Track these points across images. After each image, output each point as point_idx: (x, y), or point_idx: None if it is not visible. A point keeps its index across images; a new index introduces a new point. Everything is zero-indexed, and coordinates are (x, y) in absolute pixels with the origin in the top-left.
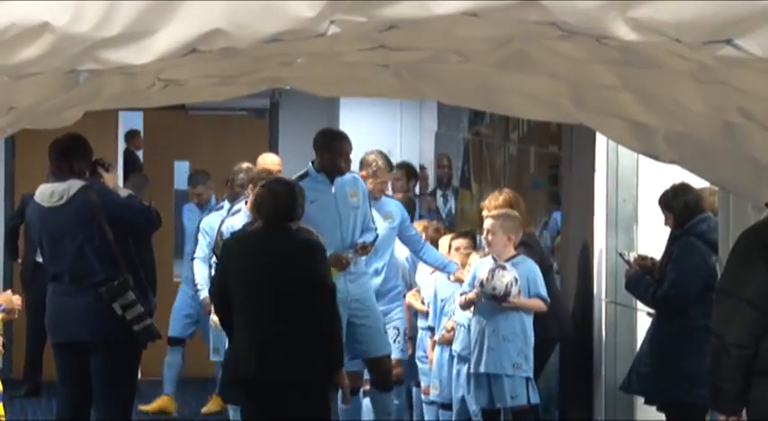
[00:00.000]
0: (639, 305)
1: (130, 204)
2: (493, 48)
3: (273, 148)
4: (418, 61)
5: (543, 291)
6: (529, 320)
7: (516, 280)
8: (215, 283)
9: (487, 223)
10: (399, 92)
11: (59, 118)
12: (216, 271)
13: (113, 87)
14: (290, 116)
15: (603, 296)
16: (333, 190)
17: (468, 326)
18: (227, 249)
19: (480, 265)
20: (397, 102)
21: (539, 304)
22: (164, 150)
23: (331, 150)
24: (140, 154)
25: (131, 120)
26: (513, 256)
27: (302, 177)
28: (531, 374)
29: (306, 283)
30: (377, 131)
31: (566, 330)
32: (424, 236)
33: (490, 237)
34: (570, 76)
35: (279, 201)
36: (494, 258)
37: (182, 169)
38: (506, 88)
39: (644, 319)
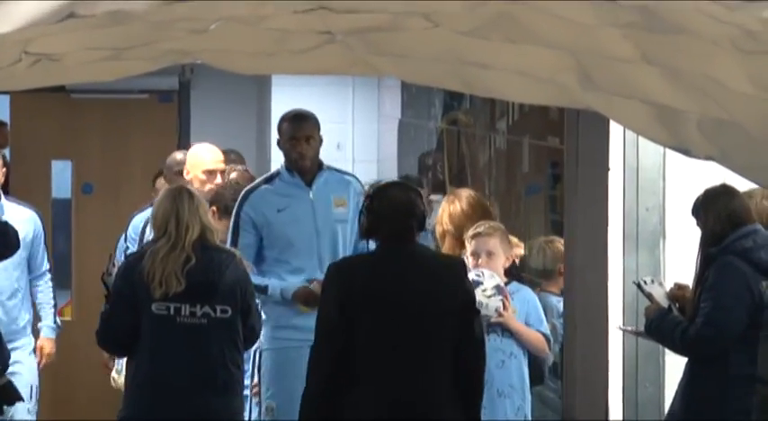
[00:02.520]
0: None
1: None
2: (469, 8)
3: (183, 140)
4: (372, 27)
5: (546, 327)
6: (526, 368)
7: (499, 292)
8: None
9: (482, 242)
10: (347, 67)
11: None
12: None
13: None
14: (205, 99)
15: (621, 324)
16: (310, 194)
17: None
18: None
19: None
20: (349, 80)
21: (540, 340)
22: (38, 147)
23: (280, 136)
24: (7, 152)
25: None
26: (507, 283)
27: (270, 179)
28: None
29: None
30: (321, 119)
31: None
32: None
33: (487, 260)
34: (574, 45)
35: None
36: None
37: (62, 171)
38: (487, 63)
39: (675, 363)
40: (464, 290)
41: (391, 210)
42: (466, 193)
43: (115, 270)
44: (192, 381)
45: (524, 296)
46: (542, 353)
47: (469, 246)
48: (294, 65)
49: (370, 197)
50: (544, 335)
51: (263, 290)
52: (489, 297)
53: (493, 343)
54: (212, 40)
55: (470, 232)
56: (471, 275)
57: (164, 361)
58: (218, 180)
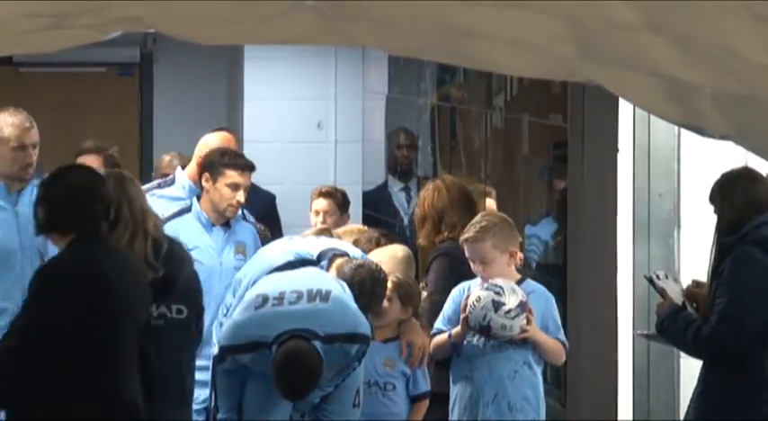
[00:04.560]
0: None
1: None
2: None
3: (146, 119)
4: None
5: (562, 333)
6: (541, 377)
7: (523, 309)
8: None
9: (473, 251)
10: (320, 37)
11: None
12: None
13: None
14: (170, 73)
15: (632, 327)
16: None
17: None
18: None
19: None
20: (331, 52)
21: (559, 349)
22: None
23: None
24: None
25: None
26: (519, 281)
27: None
28: None
29: None
30: (300, 96)
31: None
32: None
33: (484, 268)
34: (572, 11)
35: None
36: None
37: None
38: (477, 31)
39: (691, 366)
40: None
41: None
42: (451, 181)
43: None
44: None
45: (541, 298)
46: (558, 362)
47: (466, 250)
48: (260, 34)
49: (46, 184)
50: (562, 343)
51: None
52: (514, 318)
53: (504, 352)
54: (166, 5)
55: (462, 236)
56: (490, 294)
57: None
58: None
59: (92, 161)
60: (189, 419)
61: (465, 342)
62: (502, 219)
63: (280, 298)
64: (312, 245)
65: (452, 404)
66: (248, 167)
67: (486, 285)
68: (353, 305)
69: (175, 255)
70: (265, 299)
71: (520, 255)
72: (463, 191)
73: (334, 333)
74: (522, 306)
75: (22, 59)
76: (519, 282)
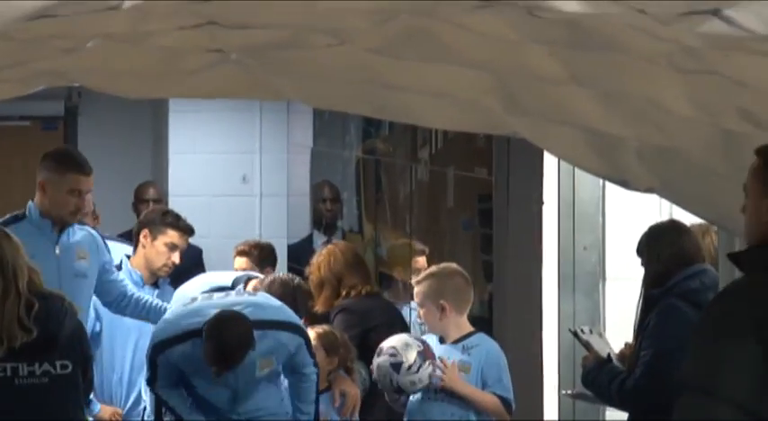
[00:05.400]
0: None
1: None
2: (377, 23)
3: None
4: (269, 45)
5: (505, 391)
6: None
7: (422, 355)
8: None
9: (414, 294)
10: (245, 90)
11: None
12: None
13: None
14: (94, 126)
15: (558, 386)
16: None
17: None
18: None
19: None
20: (256, 105)
21: (494, 403)
22: None
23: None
24: None
25: None
26: (468, 335)
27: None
28: None
29: None
30: (225, 149)
31: None
32: None
33: (421, 312)
34: (496, 64)
35: None
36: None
37: None
38: (402, 84)
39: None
40: None
41: None
42: (344, 245)
43: None
44: None
45: (484, 350)
46: (501, 417)
47: None
48: (186, 87)
49: None
50: (502, 397)
51: None
52: (418, 371)
53: (440, 403)
54: (90, 59)
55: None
56: (386, 359)
57: None
58: None
59: None
60: None
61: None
62: (451, 271)
63: (208, 296)
64: (225, 276)
65: None
66: (189, 230)
67: (382, 350)
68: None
69: (53, 311)
70: (194, 298)
71: (452, 308)
72: (357, 254)
73: (263, 319)
74: (422, 355)
75: None
76: (469, 335)
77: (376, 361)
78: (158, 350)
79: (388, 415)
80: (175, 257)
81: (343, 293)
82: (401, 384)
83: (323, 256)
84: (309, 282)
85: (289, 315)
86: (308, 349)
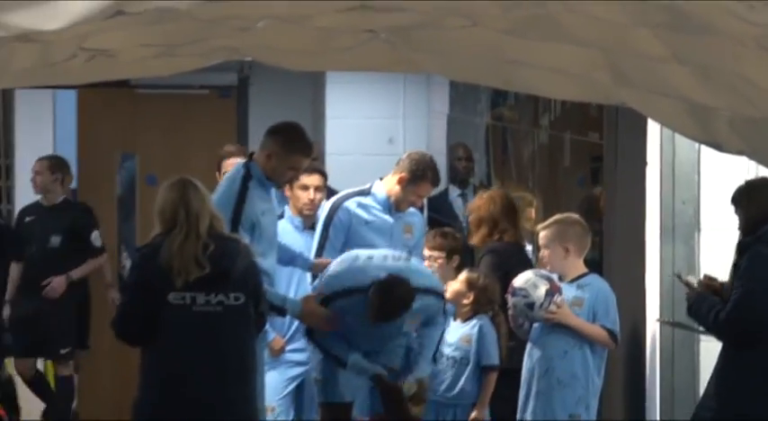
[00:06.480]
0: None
1: None
2: (506, 8)
3: (242, 135)
4: (413, 26)
5: (612, 323)
6: (596, 360)
7: (551, 292)
8: None
9: (540, 236)
10: (390, 65)
11: None
12: None
13: (23, 59)
14: (263, 95)
15: (658, 315)
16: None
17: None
18: None
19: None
20: (400, 77)
21: (601, 335)
22: (104, 140)
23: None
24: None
25: (65, 102)
26: (583, 275)
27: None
28: None
29: None
30: (374, 115)
31: None
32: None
33: (545, 253)
34: (607, 44)
35: None
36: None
37: (126, 165)
38: (525, 61)
39: (710, 348)
40: None
41: None
42: (500, 193)
43: (129, 262)
44: (208, 368)
45: (595, 289)
46: (606, 346)
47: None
48: (339, 62)
49: None
50: (609, 330)
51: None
52: (547, 307)
53: (557, 334)
54: (260, 37)
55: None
56: (519, 300)
57: (181, 349)
58: None
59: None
60: (251, 395)
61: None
62: (573, 220)
63: (369, 257)
64: None
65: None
66: (314, 171)
67: (514, 290)
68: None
69: (227, 251)
70: (357, 256)
71: (571, 250)
72: (511, 201)
73: (418, 285)
74: (550, 291)
75: (137, 82)
76: (584, 275)
77: (512, 300)
78: (323, 304)
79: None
80: (311, 195)
81: (496, 237)
82: (536, 319)
83: (483, 200)
84: (469, 221)
85: (436, 282)
86: (443, 310)
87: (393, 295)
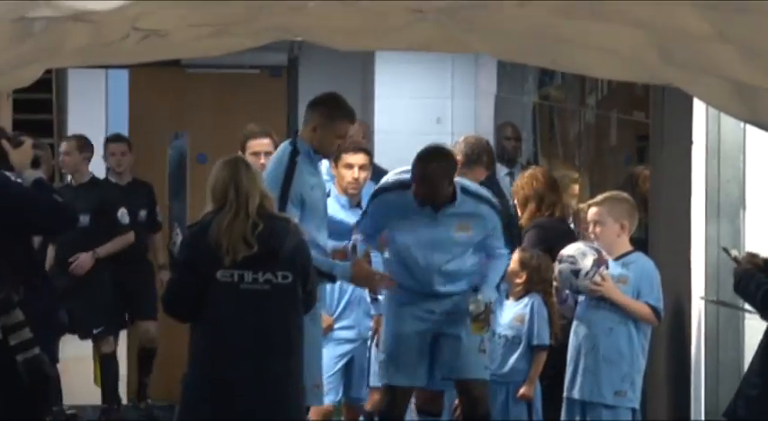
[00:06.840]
0: (749, 306)
1: (31, 196)
2: None
3: (292, 114)
4: (462, 6)
5: (656, 301)
6: (640, 337)
7: (598, 263)
8: None
9: (592, 212)
10: (440, 44)
11: (12, 77)
12: None
13: (77, 39)
14: (312, 74)
15: (703, 294)
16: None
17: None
18: None
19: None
20: (448, 57)
21: (644, 311)
22: (155, 119)
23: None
24: (126, 123)
25: (118, 81)
26: (628, 253)
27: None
28: (637, 404)
29: None
30: (422, 94)
31: None
32: None
33: (598, 229)
34: (654, 23)
35: None
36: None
37: (177, 143)
38: (573, 40)
39: (755, 326)
40: None
41: None
42: (542, 170)
43: (179, 239)
44: (254, 345)
45: (640, 266)
46: (650, 322)
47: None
48: (388, 42)
49: None
50: (653, 307)
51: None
52: (594, 276)
53: (602, 311)
54: (310, 17)
55: (590, 201)
56: (566, 266)
57: (228, 326)
58: None
59: (267, 143)
60: (298, 372)
61: (567, 304)
62: (625, 198)
63: None
64: None
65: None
66: (356, 149)
67: (562, 257)
68: None
69: (277, 230)
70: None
71: (625, 227)
72: (553, 178)
73: (468, 188)
74: (597, 262)
75: (188, 62)
76: (629, 253)
77: (558, 267)
78: (373, 196)
79: None
80: (355, 174)
81: (546, 213)
82: (580, 288)
83: (526, 178)
84: (516, 202)
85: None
86: (503, 233)
87: (433, 161)
